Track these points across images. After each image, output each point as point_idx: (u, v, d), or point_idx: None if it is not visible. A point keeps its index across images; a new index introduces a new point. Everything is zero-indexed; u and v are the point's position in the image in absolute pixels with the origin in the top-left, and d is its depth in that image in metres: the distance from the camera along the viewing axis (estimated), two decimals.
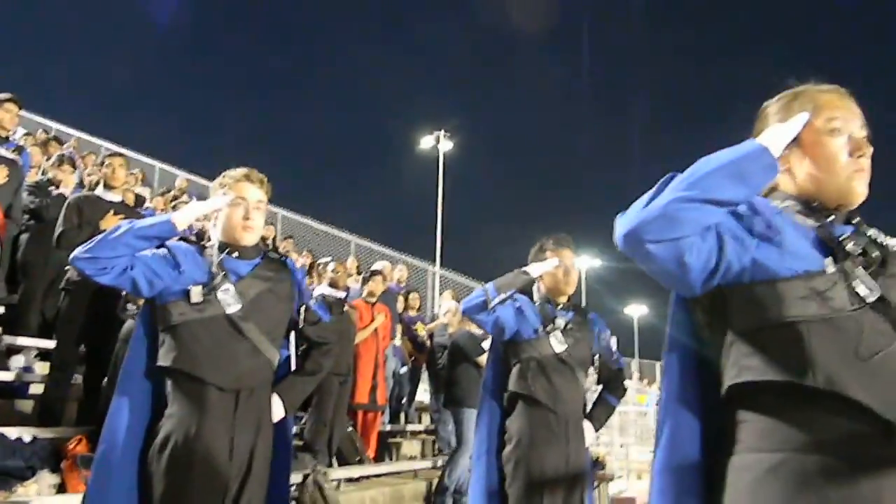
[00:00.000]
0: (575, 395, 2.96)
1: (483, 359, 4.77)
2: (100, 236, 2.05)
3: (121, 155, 4.48)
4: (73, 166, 5.63)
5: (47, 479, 3.47)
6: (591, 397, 3.24)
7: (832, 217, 1.30)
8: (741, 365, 1.24)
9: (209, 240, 2.32)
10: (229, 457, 2.07)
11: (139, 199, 6.66)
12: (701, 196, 1.14)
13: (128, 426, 2.10)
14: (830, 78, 1.34)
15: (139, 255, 2.08)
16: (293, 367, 2.41)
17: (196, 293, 2.12)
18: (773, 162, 1.21)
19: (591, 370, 3.16)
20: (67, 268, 3.96)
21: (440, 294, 11.58)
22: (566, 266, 3.01)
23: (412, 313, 7.66)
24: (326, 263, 5.97)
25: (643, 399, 15.62)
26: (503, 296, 2.85)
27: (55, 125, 14.32)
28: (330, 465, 5.19)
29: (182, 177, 12.24)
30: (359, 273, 8.88)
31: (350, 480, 5.32)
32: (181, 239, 2.26)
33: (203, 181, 11.89)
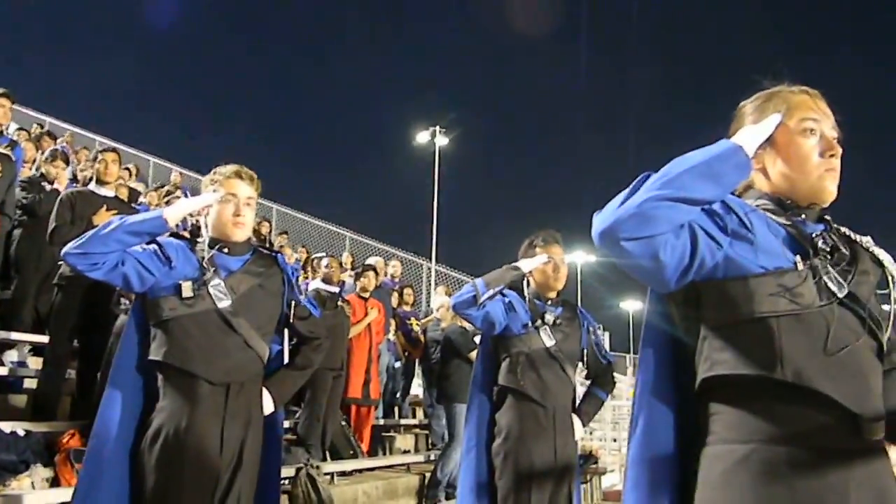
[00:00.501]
0: (564, 390, 2.99)
1: (475, 354, 4.80)
2: (91, 232, 2.07)
3: (114, 150, 4.48)
4: (67, 161, 5.62)
5: (41, 472, 3.49)
6: (581, 391, 3.27)
7: (804, 215, 1.33)
8: (714, 359, 1.27)
9: (201, 235, 2.34)
10: (220, 450, 2.09)
11: (133, 194, 6.66)
12: (675, 195, 1.17)
13: (119, 420, 2.12)
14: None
15: (130, 251, 2.10)
16: (286, 362, 2.44)
17: (187, 288, 2.14)
18: (745, 161, 1.24)
19: (580, 365, 3.20)
20: (60, 263, 3.97)
21: (435, 289, 11.61)
22: (555, 262, 3.04)
23: (406, 308, 7.69)
24: (321, 259, 5.99)
25: None
26: (492, 291, 2.88)
27: (49, 119, 14.29)
28: (323, 460, 5.22)
29: (176, 172, 12.25)
30: (353, 268, 8.91)
31: (343, 474, 5.35)
32: (172, 234, 2.28)
33: (197, 176, 11.89)
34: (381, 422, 6.82)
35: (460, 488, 2.97)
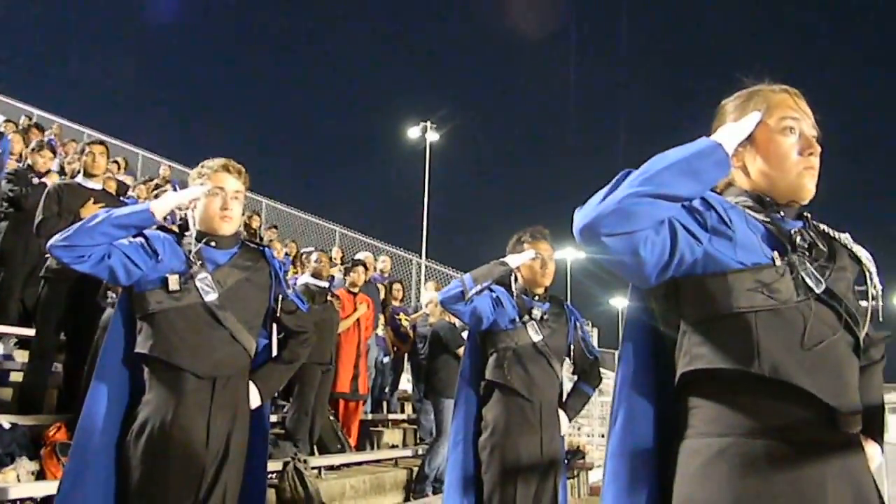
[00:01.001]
0: (550, 384, 3.01)
1: (462, 350, 4.82)
2: (77, 224, 2.06)
3: (101, 143, 4.45)
4: (53, 152, 5.58)
5: (26, 465, 3.48)
6: (568, 386, 3.29)
7: (783, 212, 1.35)
8: (693, 353, 1.29)
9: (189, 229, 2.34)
10: (206, 443, 2.09)
11: (122, 187, 6.63)
12: (655, 191, 1.18)
13: (105, 413, 2.11)
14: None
15: (117, 244, 2.09)
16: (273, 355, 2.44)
17: (173, 281, 2.14)
18: (725, 159, 1.25)
19: (567, 360, 3.22)
20: (47, 256, 3.95)
21: (425, 285, 11.61)
22: (543, 258, 3.06)
23: (395, 304, 7.69)
24: (310, 253, 5.99)
25: None
26: (480, 286, 2.89)
27: (37, 111, 14.18)
28: (311, 454, 5.23)
29: (165, 165, 12.18)
30: (343, 263, 8.90)
31: (331, 468, 5.35)
32: (159, 228, 2.28)
33: (186, 170, 11.83)
34: (370, 416, 6.83)
35: (447, 482, 2.99)
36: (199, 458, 2.08)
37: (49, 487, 3.25)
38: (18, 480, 3.39)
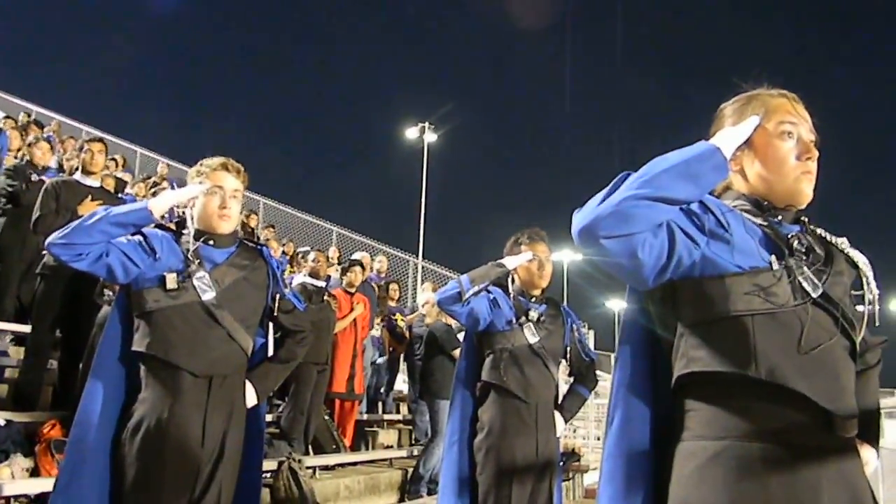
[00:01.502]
0: (546, 386, 3.02)
1: (458, 351, 4.82)
2: (75, 222, 2.06)
3: (100, 140, 4.45)
4: (50, 145, 5.58)
5: (21, 462, 3.48)
6: (564, 388, 3.30)
7: (780, 216, 1.36)
8: (689, 356, 1.29)
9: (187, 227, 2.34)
10: (201, 442, 2.09)
11: (120, 184, 6.62)
12: (653, 194, 1.19)
13: (101, 411, 2.11)
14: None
15: (115, 242, 2.09)
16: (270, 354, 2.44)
17: (171, 280, 2.14)
18: (723, 162, 1.26)
19: (563, 362, 3.22)
20: (44, 252, 3.95)
21: (421, 285, 11.62)
22: (540, 259, 3.06)
23: (392, 304, 7.69)
24: (306, 253, 5.99)
25: None
26: (477, 288, 2.89)
27: (36, 108, 14.16)
28: (306, 453, 5.22)
29: (163, 163, 12.17)
30: (340, 263, 8.90)
31: (326, 468, 5.35)
32: (157, 226, 2.28)
33: (185, 168, 11.82)
34: (365, 416, 6.83)
35: (441, 483, 2.99)
36: (195, 456, 2.08)
37: (43, 484, 3.25)
38: (13, 477, 3.39)
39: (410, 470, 5.78)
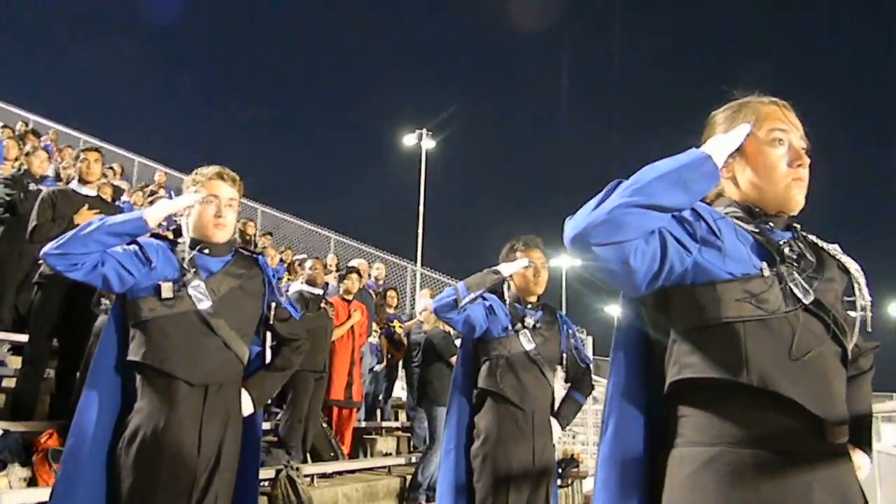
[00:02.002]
0: (543, 393, 3.02)
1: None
2: (71, 232, 2.06)
3: (96, 149, 4.47)
4: (48, 154, 5.58)
5: (18, 472, 3.47)
6: (560, 395, 3.30)
7: (772, 223, 1.37)
8: (682, 362, 1.30)
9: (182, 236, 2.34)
10: (197, 451, 2.09)
11: (117, 192, 6.64)
12: (645, 202, 1.19)
13: (97, 420, 2.11)
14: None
15: (111, 251, 2.09)
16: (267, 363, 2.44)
17: (167, 289, 2.14)
18: (714, 170, 1.27)
19: (560, 368, 3.22)
20: (41, 262, 3.94)
21: (420, 292, 11.62)
22: (536, 266, 3.07)
23: (390, 311, 7.69)
24: (304, 260, 5.99)
25: None
26: (473, 295, 2.89)
27: (33, 117, 14.19)
28: (304, 461, 5.21)
29: (160, 172, 12.18)
30: (338, 270, 8.90)
31: (323, 476, 5.35)
32: (153, 235, 2.28)
33: (182, 176, 11.82)
34: (363, 424, 6.82)
35: (439, 491, 2.99)
36: (191, 465, 2.08)
37: (41, 494, 3.24)
38: (10, 487, 3.39)
39: (409, 477, 5.77)
